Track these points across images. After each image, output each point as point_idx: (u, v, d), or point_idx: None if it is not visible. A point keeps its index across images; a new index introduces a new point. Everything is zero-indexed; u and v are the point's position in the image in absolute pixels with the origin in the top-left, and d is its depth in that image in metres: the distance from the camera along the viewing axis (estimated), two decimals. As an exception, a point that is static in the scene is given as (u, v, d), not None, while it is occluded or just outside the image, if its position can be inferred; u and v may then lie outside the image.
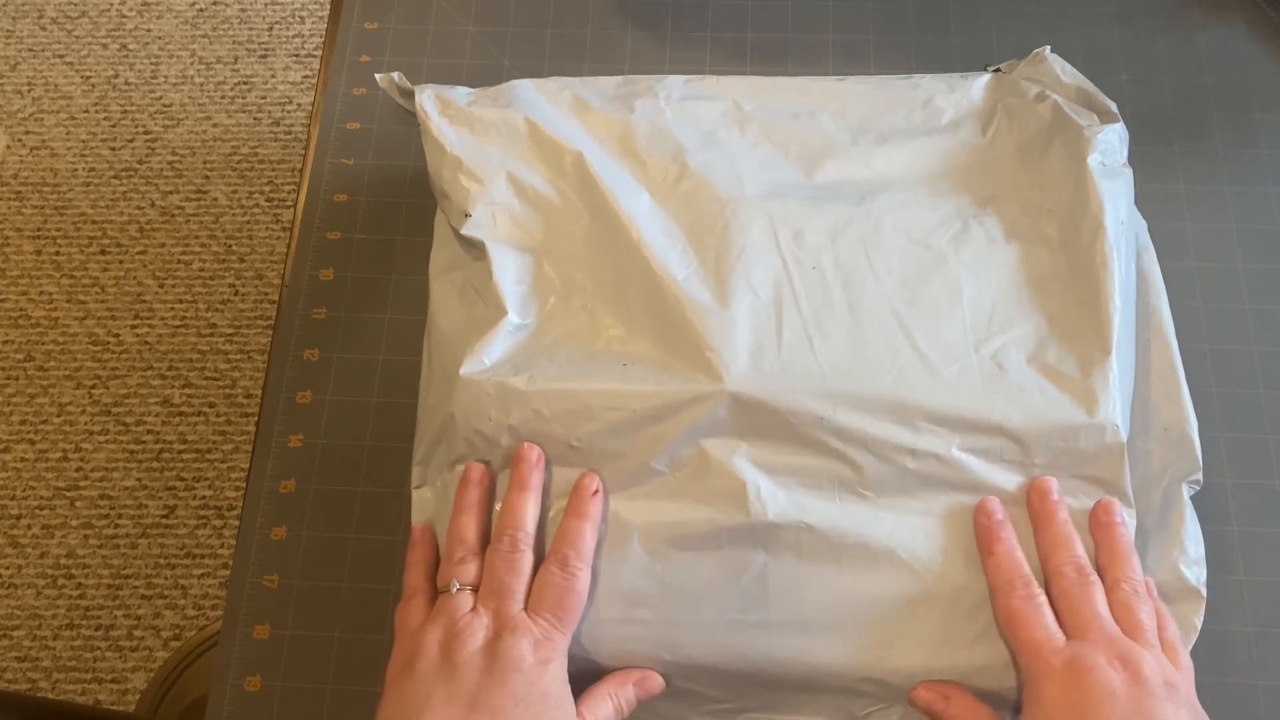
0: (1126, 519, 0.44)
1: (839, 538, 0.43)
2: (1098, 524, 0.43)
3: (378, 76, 0.53)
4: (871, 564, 0.42)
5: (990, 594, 0.42)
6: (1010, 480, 0.44)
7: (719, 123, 0.52)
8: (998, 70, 0.54)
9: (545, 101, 0.52)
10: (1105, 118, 0.51)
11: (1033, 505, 0.43)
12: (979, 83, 0.53)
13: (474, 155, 0.50)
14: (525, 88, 0.53)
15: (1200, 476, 0.46)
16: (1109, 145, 0.49)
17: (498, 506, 0.45)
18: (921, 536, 0.43)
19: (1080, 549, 0.43)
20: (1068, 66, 0.53)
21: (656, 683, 0.43)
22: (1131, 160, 0.51)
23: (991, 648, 0.42)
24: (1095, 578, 0.42)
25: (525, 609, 0.42)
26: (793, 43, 0.63)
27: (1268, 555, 0.50)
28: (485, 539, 0.44)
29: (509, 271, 0.47)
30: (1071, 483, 0.44)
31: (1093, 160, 0.48)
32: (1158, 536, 0.45)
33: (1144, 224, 0.52)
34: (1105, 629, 0.40)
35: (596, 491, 0.43)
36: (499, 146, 0.50)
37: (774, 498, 0.43)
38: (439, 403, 0.47)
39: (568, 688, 0.41)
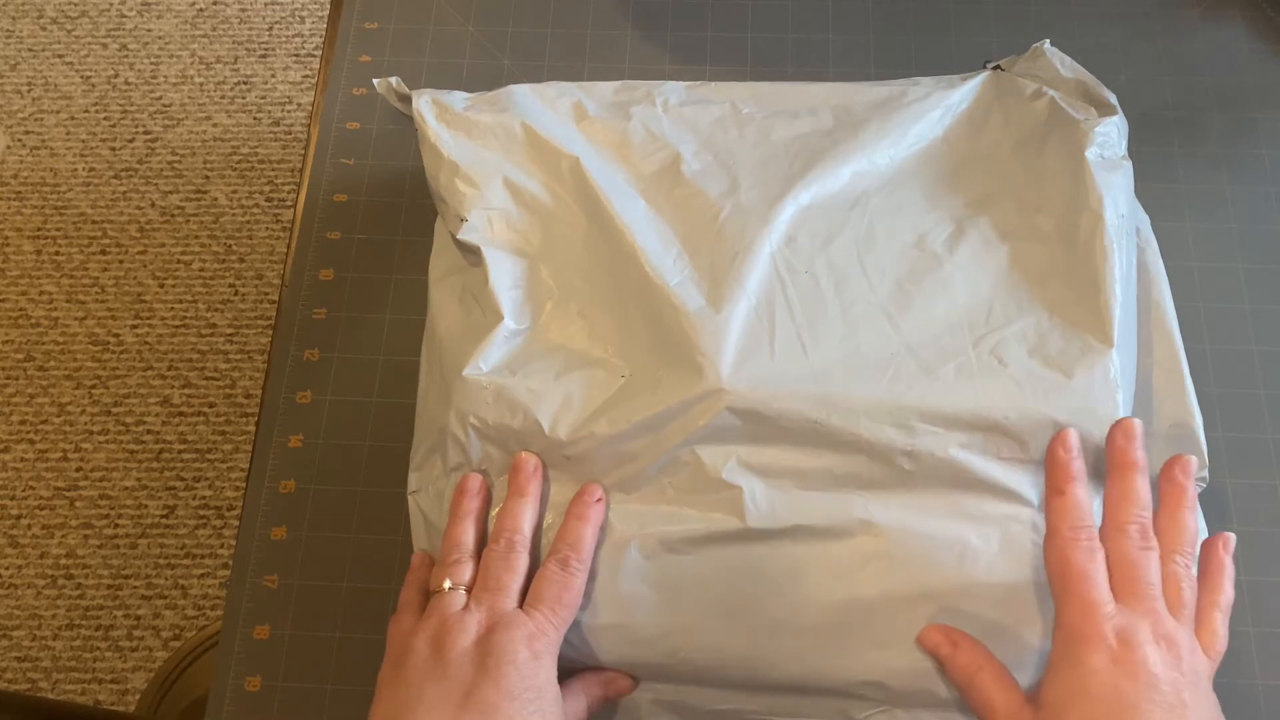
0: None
1: (835, 540, 0.43)
2: (1170, 481, 0.42)
3: (375, 82, 0.53)
4: (868, 566, 0.42)
5: (1047, 535, 0.41)
6: (1010, 477, 0.43)
7: (717, 126, 0.52)
8: (997, 67, 0.54)
9: (542, 107, 0.52)
10: (1104, 110, 0.51)
11: (1114, 446, 0.41)
12: (976, 82, 0.53)
13: (471, 160, 0.50)
14: (522, 93, 0.53)
15: (1206, 474, 0.46)
16: (1107, 138, 0.49)
17: (493, 514, 0.44)
18: (919, 537, 0.43)
19: (1150, 509, 0.41)
20: (1067, 60, 0.53)
21: (626, 684, 0.44)
22: (1131, 160, 0.51)
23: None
24: (1156, 543, 0.40)
25: (520, 607, 0.42)
26: (793, 43, 0.63)
27: (1268, 555, 0.50)
28: (481, 546, 0.44)
29: (505, 276, 0.47)
30: None
31: (1091, 153, 0.48)
32: None
33: (1146, 219, 0.52)
34: (1156, 603, 0.39)
35: (599, 499, 0.43)
36: (496, 151, 0.50)
37: (769, 501, 0.43)
38: (437, 408, 0.47)
39: (557, 684, 0.41)
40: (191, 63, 1.43)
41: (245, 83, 1.42)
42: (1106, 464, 0.42)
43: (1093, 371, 0.43)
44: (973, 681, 0.40)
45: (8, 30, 1.45)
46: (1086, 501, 0.41)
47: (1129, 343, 0.46)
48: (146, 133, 1.39)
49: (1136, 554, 0.40)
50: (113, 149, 1.38)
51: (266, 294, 1.30)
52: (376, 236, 0.58)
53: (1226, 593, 0.42)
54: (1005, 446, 0.43)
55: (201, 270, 1.31)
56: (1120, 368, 0.43)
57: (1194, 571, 0.41)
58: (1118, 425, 0.42)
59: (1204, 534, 0.45)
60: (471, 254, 0.48)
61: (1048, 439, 0.43)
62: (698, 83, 0.55)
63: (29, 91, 1.42)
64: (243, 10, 1.46)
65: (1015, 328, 0.45)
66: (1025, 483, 0.43)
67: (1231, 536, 0.43)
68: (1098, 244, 0.45)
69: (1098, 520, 0.42)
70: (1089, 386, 0.43)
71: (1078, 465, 0.41)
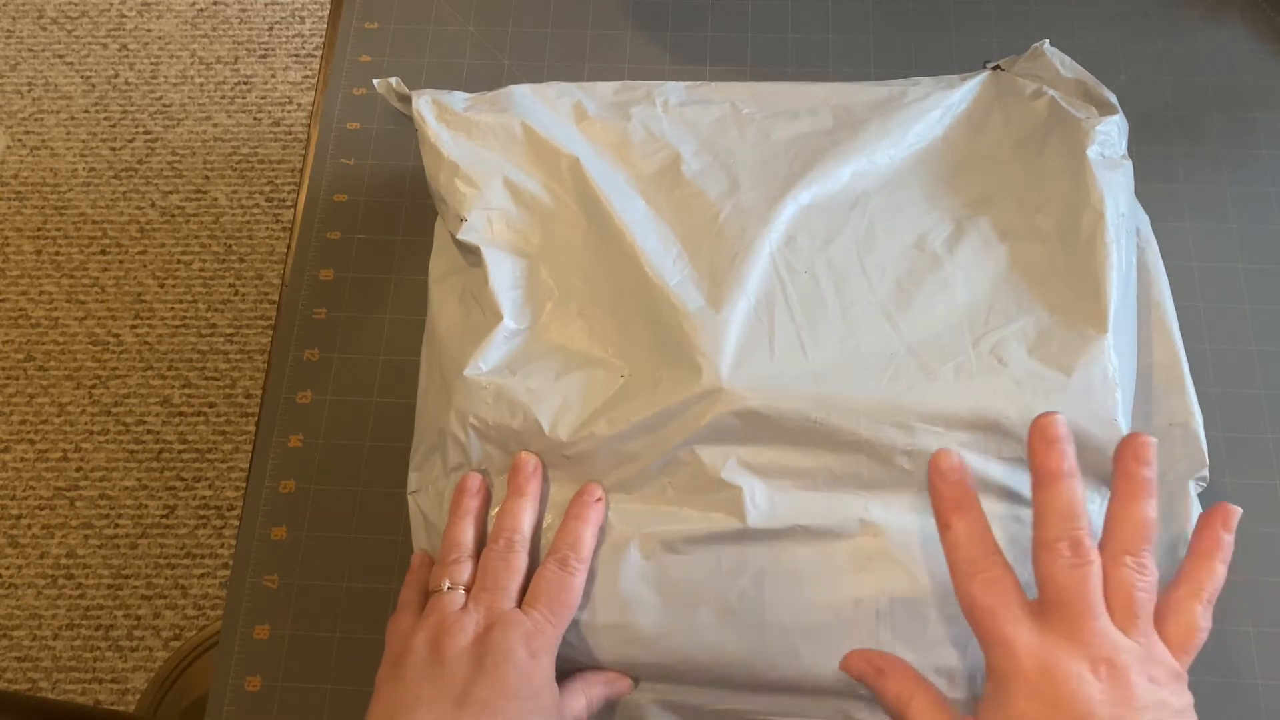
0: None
1: (834, 540, 0.43)
2: (1123, 468, 0.38)
3: (375, 82, 0.53)
4: (867, 566, 0.42)
5: (950, 572, 0.38)
6: (1010, 476, 0.43)
7: (717, 126, 0.52)
8: (997, 67, 0.54)
9: (542, 107, 0.52)
10: (1104, 109, 0.51)
11: (1035, 453, 0.38)
12: (976, 82, 0.53)
13: (470, 160, 0.50)
14: (522, 93, 0.53)
15: (1207, 473, 0.45)
16: (1108, 137, 0.49)
17: (493, 514, 0.44)
18: (918, 537, 0.43)
19: (1086, 520, 0.37)
20: (1067, 59, 0.53)
21: (625, 684, 0.44)
22: (1131, 160, 0.51)
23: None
24: (1095, 556, 0.36)
25: (519, 606, 0.42)
26: (793, 43, 0.63)
27: (1268, 555, 0.50)
28: (480, 546, 0.44)
29: (505, 276, 0.47)
30: None
31: (1092, 152, 0.48)
32: (1162, 534, 0.45)
33: (1146, 219, 0.52)
34: (1094, 623, 0.35)
35: (599, 499, 0.43)
36: (496, 152, 0.50)
37: (769, 501, 0.43)
38: (437, 408, 0.47)
39: (555, 684, 0.41)
40: (191, 63, 1.43)
41: (245, 83, 1.42)
42: (1032, 471, 0.39)
43: (1091, 370, 0.43)
44: (906, 711, 0.38)
45: (8, 30, 1.45)
46: (978, 530, 0.38)
47: (1128, 341, 0.46)
48: (146, 133, 1.39)
49: (1068, 573, 0.36)
50: (113, 149, 1.38)
51: (266, 294, 1.30)
52: (376, 236, 0.58)
53: (1215, 576, 0.38)
54: (1005, 446, 0.43)
55: (201, 270, 1.31)
56: (1119, 366, 0.43)
57: (1150, 567, 0.37)
58: (1033, 426, 0.38)
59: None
60: (471, 254, 0.48)
61: None
62: (698, 83, 0.55)
63: (29, 91, 1.42)
64: (243, 10, 1.46)
65: (1015, 327, 0.45)
66: (1025, 482, 0.43)
67: (1234, 510, 0.39)
68: (1098, 242, 0.45)
69: (1097, 529, 0.39)
70: (1088, 385, 0.43)
71: (965, 495, 0.38)
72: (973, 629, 0.38)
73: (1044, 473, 0.38)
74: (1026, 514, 0.43)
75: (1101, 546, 0.38)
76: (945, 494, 0.39)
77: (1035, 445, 0.38)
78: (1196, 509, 0.45)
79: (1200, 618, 0.37)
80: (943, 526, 0.39)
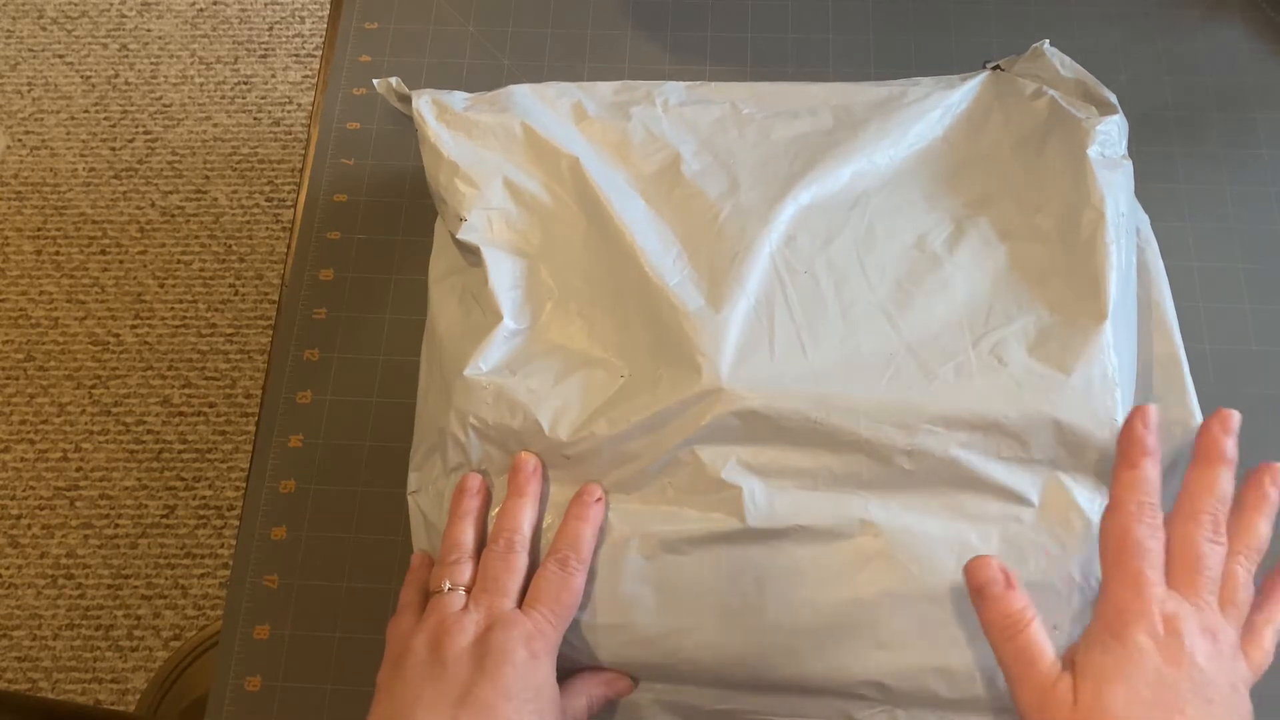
0: None
1: (835, 540, 0.43)
2: (1257, 485, 0.41)
3: (375, 82, 0.53)
4: (868, 565, 0.42)
5: (1110, 506, 0.40)
6: (1010, 476, 0.43)
7: (717, 126, 0.52)
8: (997, 67, 0.54)
9: (542, 107, 0.52)
10: (1104, 109, 0.51)
11: (1208, 436, 0.41)
12: (976, 82, 0.53)
13: (470, 160, 0.50)
14: (522, 93, 0.53)
15: None
16: (1108, 137, 0.49)
17: (493, 514, 0.44)
18: (919, 537, 0.43)
19: (1228, 505, 0.41)
20: (1067, 60, 0.53)
21: (625, 684, 0.44)
22: (1131, 160, 0.51)
23: (991, 650, 0.42)
24: (1225, 540, 0.40)
25: (519, 607, 0.42)
26: (792, 43, 0.63)
27: (1267, 555, 0.50)
28: (480, 546, 0.44)
29: (505, 276, 0.47)
30: (1072, 477, 0.44)
31: (1092, 152, 0.48)
32: None
33: (1146, 219, 0.52)
34: (1210, 596, 0.39)
35: (599, 499, 0.43)
36: (496, 151, 0.50)
37: (769, 501, 0.43)
38: (437, 408, 0.47)
39: (556, 684, 0.41)
40: (191, 63, 1.43)
41: (245, 83, 1.42)
42: (1195, 452, 0.42)
43: (1091, 369, 0.43)
44: (1021, 632, 0.39)
45: (8, 30, 1.45)
46: (1158, 481, 0.40)
47: (1128, 340, 0.46)
48: (146, 133, 1.39)
49: (1203, 544, 0.39)
50: (113, 149, 1.38)
51: (266, 294, 1.30)
52: (376, 236, 0.58)
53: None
54: (1005, 446, 0.43)
55: (201, 270, 1.31)
56: (1119, 365, 0.43)
57: (1253, 579, 0.40)
58: (1215, 415, 0.41)
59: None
60: (471, 254, 0.48)
61: (1047, 438, 0.43)
62: (698, 83, 0.55)
63: (29, 91, 1.42)
64: (243, 10, 1.46)
65: (1015, 326, 0.45)
66: (1025, 482, 0.43)
67: (1231, 414, 0.42)
68: (1098, 242, 0.45)
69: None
70: (1088, 384, 0.43)
71: (1153, 442, 0.41)
72: (1110, 561, 0.39)
73: (1211, 453, 0.41)
74: (1026, 514, 0.43)
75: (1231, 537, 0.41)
76: (1141, 437, 0.41)
77: (1211, 426, 0.41)
78: None
79: (1270, 643, 0.41)
80: (1127, 465, 0.40)
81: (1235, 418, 0.42)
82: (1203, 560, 0.39)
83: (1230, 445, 0.41)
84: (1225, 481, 0.41)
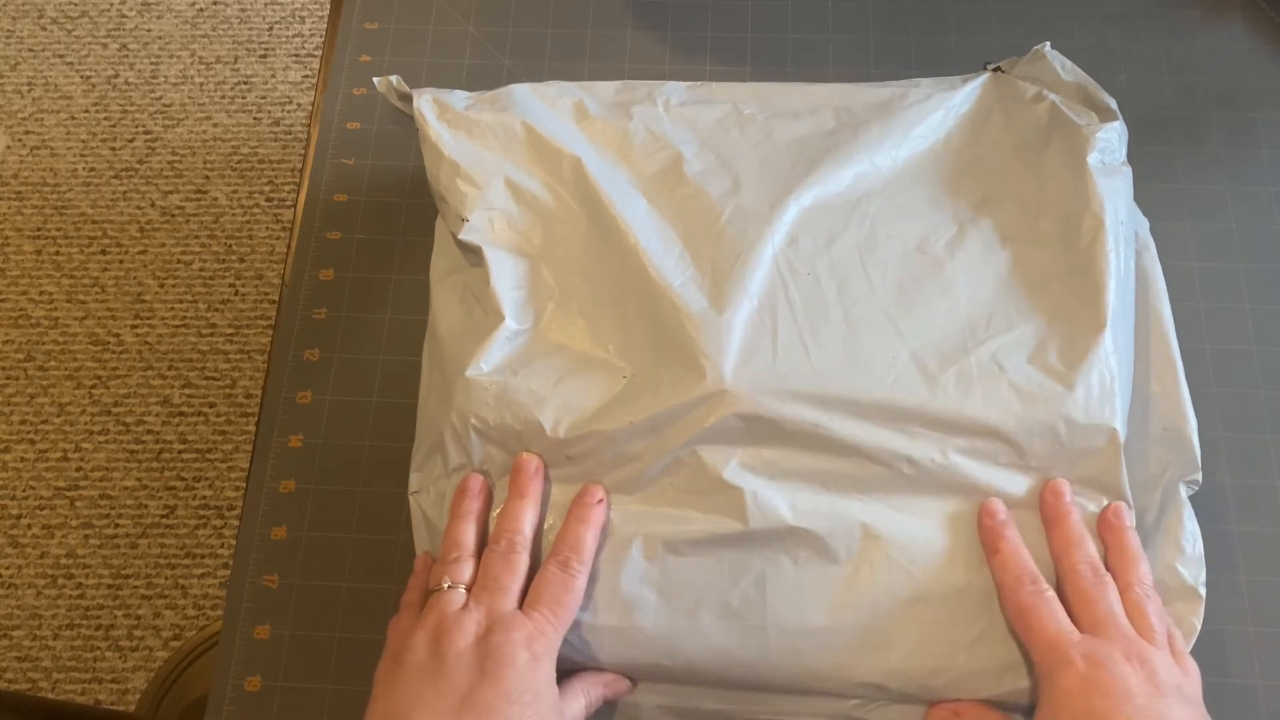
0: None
1: (835, 542, 0.43)
2: (1108, 527, 0.43)
3: (376, 80, 0.53)
4: (868, 567, 0.42)
5: (998, 592, 0.42)
6: (1008, 482, 0.44)
7: (718, 126, 0.52)
8: (997, 68, 0.54)
9: (543, 106, 0.52)
10: (1104, 115, 0.51)
11: (1046, 505, 0.43)
12: (977, 84, 0.53)
13: (471, 160, 0.50)
14: (523, 92, 0.53)
15: (1199, 477, 0.46)
16: (1108, 143, 0.49)
17: (494, 515, 0.44)
18: (919, 540, 0.43)
19: (1093, 548, 0.43)
20: (1068, 63, 0.53)
21: (625, 685, 0.44)
22: (1131, 161, 0.51)
23: (990, 651, 0.42)
24: (1109, 577, 0.42)
25: (519, 608, 0.42)
26: (793, 43, 0.63)
27: (1268, 555, 0.50)
28: (482, 546, 0.44)
29: (506, 277, 0.47)
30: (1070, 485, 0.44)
31: (1092, 159, 0.48)
32: (1156, 536, 0.45)
33: (1145, 222, 0.52)
34: (1121, 628, 0.40)
35: (601, 501, 0.43)
36: (497, 151, 0.50)
37: (770, 503, 0.43)
38: (438, 408, 0.47)
39: (555, 686, 0.41)
40: (191, 63, 1.43)
41: (245, 83, 1.42)
42: (1044, 521, 0.43)
43: (1089, 378, 0.43)
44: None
45: (8, 30, 1.45)
46: (1021, 553, 0.42)
47: (1126, 348, 0.46)
48: (146, 133, 1.39)
49: (1092, 589, 0.41)
50: (113, 149, 1.38)
51: (266, 294, 1.30)
52: (376, 236, 0.58)
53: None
54: (1003, 453, 0.43)
55: (201, 270, 1.31)
56: (1117, 374, 0.44)
57: (1156, 598, 0.42)
58: (1046, 488, 0.44)
59: (1198, 540, 0.45)
60: (473, 254, 0.48)
61: (1046, 445, 0.43)
62: (699, 83, 0.55)
63: (29, 91, 1.42)
64: (243, 10, 1.46)
65: (1015, 334, 0.45)
66: (1023, 488, 0.44)
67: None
68: (1098, 249, 0.45)
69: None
70: (1086, 393, 0.43)
71: (1008, 528, 0.43)
72: (1021, 634, 0.41)
73: (1056, 514, 0.43)
74: (1028, 517, 0.44)
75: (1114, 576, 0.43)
76: (993, 528, 0.43)
77: (1046, 498, 0.44)
78: (1189, 511, 0.46)
79: (1179, 644, 0.43)
80: (991, 552, 0.43)
81: (1063, 483, 0.44)
82: (1098, 602, 0.41)
83: (1067, 500, 0.43)
84: (1079, 530, 0.43)
